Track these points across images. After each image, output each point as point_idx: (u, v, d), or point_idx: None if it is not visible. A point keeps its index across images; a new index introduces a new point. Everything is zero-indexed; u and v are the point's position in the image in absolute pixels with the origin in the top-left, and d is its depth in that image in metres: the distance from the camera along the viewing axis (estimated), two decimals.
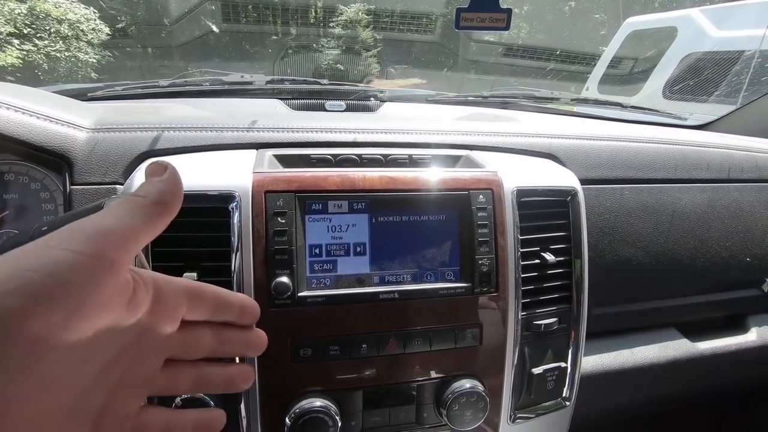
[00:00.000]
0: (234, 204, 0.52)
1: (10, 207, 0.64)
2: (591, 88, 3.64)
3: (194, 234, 0.53)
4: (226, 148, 0.62)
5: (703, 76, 2.79)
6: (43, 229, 0.39)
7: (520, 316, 0.60)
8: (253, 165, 0.57)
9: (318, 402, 0.53)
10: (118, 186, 0.58)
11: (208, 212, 0.53)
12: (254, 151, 0.62)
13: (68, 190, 0.57)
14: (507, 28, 0.53)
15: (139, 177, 0.55)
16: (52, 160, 0.58)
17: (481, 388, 0.58)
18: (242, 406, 0.54)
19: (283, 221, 0.53)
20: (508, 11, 0.52)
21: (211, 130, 0.63)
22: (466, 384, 0.58)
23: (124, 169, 0.59)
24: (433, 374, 0.58)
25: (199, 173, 0.55)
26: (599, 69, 3.66)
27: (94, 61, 6.11)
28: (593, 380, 0.74)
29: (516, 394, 0.62)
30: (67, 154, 0.57)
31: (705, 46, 2.95)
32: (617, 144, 0.79)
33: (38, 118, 0.57)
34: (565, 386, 0.65)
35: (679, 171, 0.80)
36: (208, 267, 0.52)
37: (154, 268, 0.52)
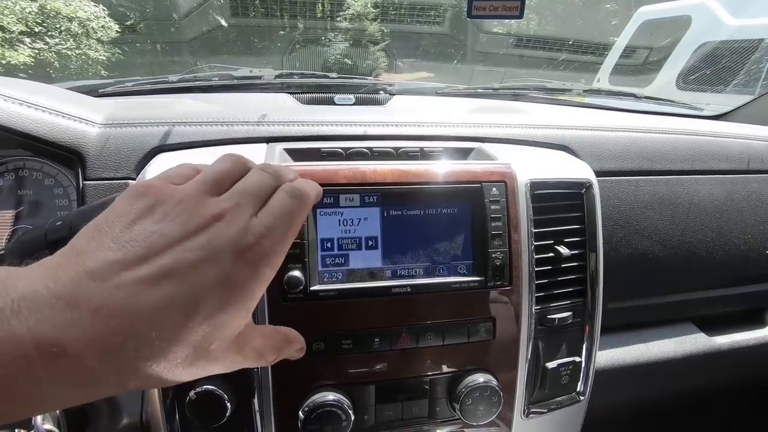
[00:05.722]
0: None
1: (25, 203, 0.65)
2: (602, 79, 3.58)
3: None
4: (237, 142, 0.62)
5: (719, 66, 2.72)
6: (58, 224, 0.39)
7: (533, 310, 0.60)
8: (264, 159, 0.57)
9: (331, 396, 0.53)
10: (130, 181, 0.58)
11: None
12: (264, 145, 0.62)
13: (81, 185, 0.57)
14: (521, 15, 0.52)
15: (150, 172, 0.55)
16: (65, 155, 0.58)
17: (494, 382, 0.57)
18: (255, 399, 0.54)
19: None
20: None
21: (221, 125, 0.63)
22: (480, 378, 0.57)
23: (136, 164, 0.59)
24: (446, 368, 0.58)
25: None
26: (611, 60, 3.59)
27: (104, 58, 6.15)
28: (607, 374, 0.73)
29: (530, 389, 0.62)
30: (80, 150, 0.58)
31: (721, 35, 2.88)
32: (632, 135, 0.77)
33: (50, 113, 0.57)
34: (579, 381, 0.64)
35: (697, 162, 0.78)
36: None
37: None
